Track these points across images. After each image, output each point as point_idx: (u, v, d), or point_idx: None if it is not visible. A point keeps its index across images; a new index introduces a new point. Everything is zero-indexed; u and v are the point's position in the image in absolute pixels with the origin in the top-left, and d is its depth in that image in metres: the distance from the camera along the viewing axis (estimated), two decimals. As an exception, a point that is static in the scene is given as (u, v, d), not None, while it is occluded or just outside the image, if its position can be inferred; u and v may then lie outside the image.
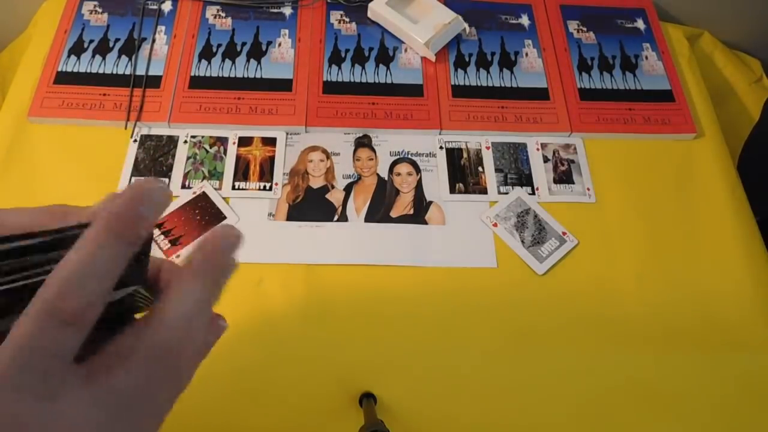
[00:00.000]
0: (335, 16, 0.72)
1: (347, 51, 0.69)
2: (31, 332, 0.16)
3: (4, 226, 0.19)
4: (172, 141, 0.63)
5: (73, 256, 0.17)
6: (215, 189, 0.60)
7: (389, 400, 0.51)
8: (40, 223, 0.19)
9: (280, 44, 0.69)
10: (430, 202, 0.61)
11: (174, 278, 0.20)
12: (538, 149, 0.65)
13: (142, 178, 0.18)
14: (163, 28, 0.69)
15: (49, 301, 0.16)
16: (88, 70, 0.65)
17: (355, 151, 0.64)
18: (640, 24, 0.75)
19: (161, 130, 0.63)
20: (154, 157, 0.62)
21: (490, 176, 0.63)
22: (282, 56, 0.68)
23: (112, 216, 0.18)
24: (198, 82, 0.65)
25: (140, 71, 0.65)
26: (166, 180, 0.60)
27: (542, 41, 0.72)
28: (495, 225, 0.60)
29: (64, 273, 0.17)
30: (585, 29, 0.74)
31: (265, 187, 0.61)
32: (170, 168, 0.61)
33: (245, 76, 0.66)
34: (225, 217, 0.58)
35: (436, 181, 0.62)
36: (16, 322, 0.16)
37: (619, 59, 0.72)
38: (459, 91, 0.67)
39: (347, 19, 0.72)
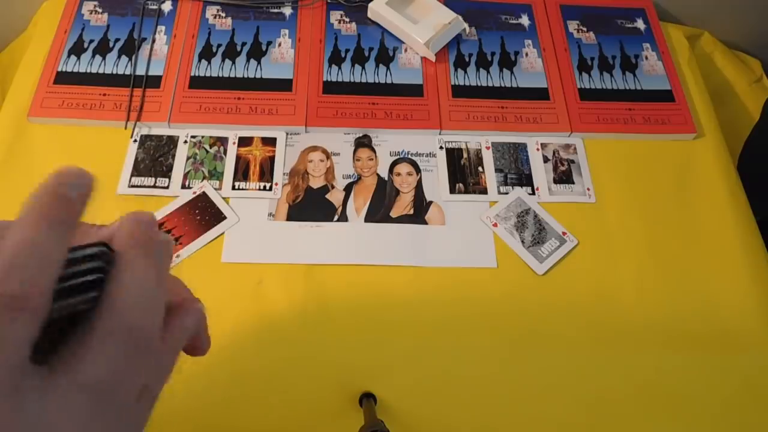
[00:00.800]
0: (335, 16, 0.72)
1: (347, 51, 0.69)
2: None
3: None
4: (172, 141, 0.63)
5: (6, 242, 0.16)
6: (215, 189, 0.60)
7: (389, 400, 0.51)
8: None
9: (280, 44, 0.69)
10: (430, 202, 0.61)
11: (118, 261, 0.20)
12: (538, 149, 0.65)
13: (64, 166, 0.18)
14: (163, 28, 0.69)
15: None
16: (88, 70, 0.65)
17: (355, 151, 0.64)
18: (640, 24, 0.75)
19: (161, 130, 0.63)
20: (154, 157, 0.62)
21: (490, 176, 0.63)
22: (282, 56, 0.68)
23: (35, 200, 0.18)
24: (198, 82, 0.65)
25: (140, 71, 0.65)
26: (166, 180, 0.60)
27: (542, 41, 0.72)
28: (495, 225, 0.60)
29: (2, 257, 0.16)
30: (585, 29, 0.74)
31: (265, 187, 0.61)
32: (170, 168, 0.61)
33: (245, 76, 0.66)
34: (225, 217, 0.58)
35: (436, 181, 0.62)
36: None
37: (619, 59, 0.72)
38: (459, 91, 0.67)
39: (347, 19, 0.72)
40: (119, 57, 0.67)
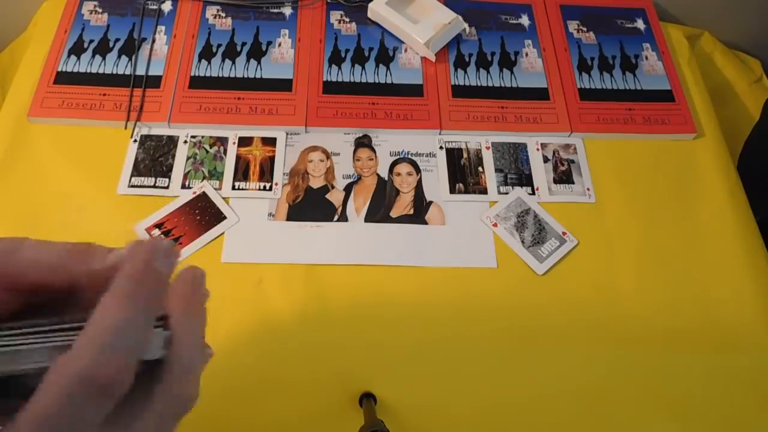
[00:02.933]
0: (335, 16, 0.72)
1: (347, 51, 0.69)
2: (60, 403, 0.15)
3: (19, 263, 0.19)
4: (172, 141, 0.63)
5: (101, 323, 0.16)
6: (215, 189, 0.60)
7: (389, 400, 0.51)
8: (60, 264, 0.19)
9: (280, 44, 0.69)
10: (430, 202, 0.61)
11: (172, 320, 0.20)
12: (538, 149, 0.65)
13: (150, 238, 0.18)
14: (163, 28, 0.69)
15: (86, 368, 0.15)
16: (88, 70, 0.65)
17: (355, 151, 0.64)
18: (640, 24, 0.75)
19: (161, 130, 0.63)
20: (154, 157, 0.62)
21: (490, 176, 0.63)
22: (282, 56, 0.68)
23: (135, 276, 0.17)
24: (198, 82, 0.65)
25: (140, 71, 0.65)
26: (166, 180, 0.60)
27: (542, 41, 0.72)
28: (495, 225, 0.60)
29: (95, 340, 0.16)
30: (585, 29, 0.74)
31: (265, 187, 0.61)
32: (170, 168, 0.61)
33: (245, 76, 0.66)
34: (225, 217, 0.58)
35: (436, 181, 0.62)
36: (35, 394, 0.15)
37: (619, 59, 0.72)
38: (459, 91, 0.67)
39: (347, 19, 0.72)
40: (119, 57, 0.66)
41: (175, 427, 0.19)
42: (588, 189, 0.63)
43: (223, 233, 0.58)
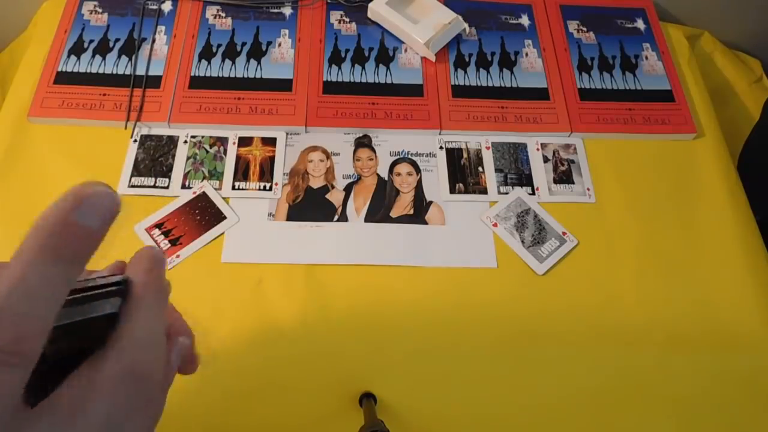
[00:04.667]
0: (335, 16, 0.72)
1: (347, 51, 0.69)
2: None
3: None
4: (172, 141, 0.63)
5: (1, 282, 0.15)
6: (215, 189, 0.60)
7: (389, 400, 0.51)
8: None
9: (280, 44, 0.69)
10: (430, 202, 0.61)
11: (128, 300, 0.19)
12: (538, 149, 0.65)
13: (85, 182, 0.16)
14: (163, 28, 0.69)
15: None
16: (88, 70, 0.65)
17: (355, 151, 0.64)
18: (640, 24, 0.75)
19: (161, 130, 0.63)
20: (154, 157, 0.62)
21: (490, 176, 0.63)
22: (282, 56, 0.68)
23: (43, 230, 0.15)
24: (198, 82, 0.65)
25: (140, 71, 0.65)
26: (166, 180, 0.60)
27: (542, 41, 0.72)
28: (495, 225, 0.60)
29: None
30: (585, 29, 0.74)
31: (265, 187, 0.61)
32: (170, 168, 0.61)
33: (245, 76, 0.66)
34: (225, 217, 0.58)
35: (436, 181, 0.62)
36: None
37: (619, 59, 0.72)
38: (459, 91, 0.67)
39: (347, 19, 0.72)
40: (119, 57, 0.66)
41: (137, 422, 0.18)
42: (588, 189, 0.63)
43: (223, 233, 0.58)
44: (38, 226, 0.15)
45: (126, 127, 0.62)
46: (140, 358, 0.18)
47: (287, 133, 0.64)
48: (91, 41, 0.68)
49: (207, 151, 0.62)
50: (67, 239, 0.15)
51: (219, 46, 0.68)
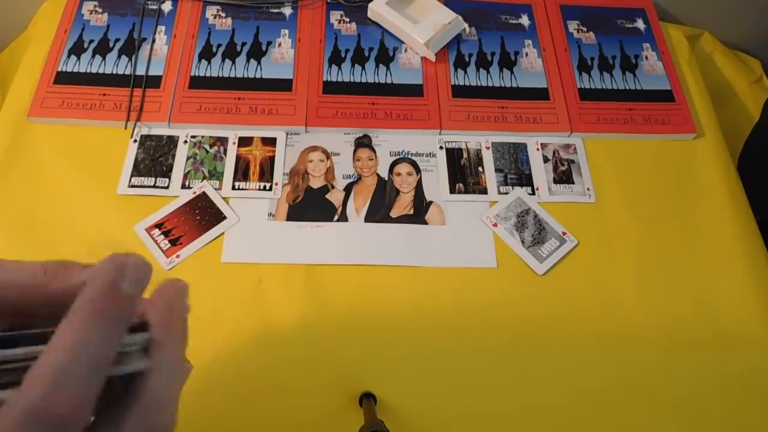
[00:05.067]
0: (335, 16, 0.72)
1: (347, 51, 0.69)
2: None
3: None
4: (172, 141, 0.63)
5: (56, 350, 0.15)
6: (215, 189, 0.60)
7: (389, 400, 0.51)
8: (32, 283, 0.18)
9: (280, 44, 0.69)
10: (430, 202, 0.61)
11: (153, 342, 0.19)
12: (538, 149, 0.65)
13: (120, 253, 0.17)
14: (163, 28, 0.69)
15: (34, 404, 0.14)
16: (88, 70, 0.65)
17: (355, 151, 0.64)
18: (640, 24, 0.75)
19: (161, 130, 0.63)
20: (154, 157, 0.62)
21: (490, 176, 0.63)
22: (282, 56, 0.68)
23: (95, 300, 0.16)
24: (198, 82, 0.65)
25: (140, 71, 0.65)
26: (166, 180, 0.60)
27: (542, 41, 0.72)
28: (495, 225, 0.60)
29: (48, 370, 0.14)
30: (585, 29, 0.74)
31: (265, 187, 0.61)
32: (170, 168, 0.61)
33: (245, 76, 0.66)
34: (225, 217, 0.58)
35: (436, 181, 0.62)
36: None
37: (619, 59, 0.72)
38: (459, 91, 0.67)
39: (347, 19, 0.72)
40: (119, 57, 0.66)
41: None
42: (588, 189, 0.63)
43: (223, 233, 0.58)
44: (86, 295, 0.16)
45: (126, 127, 0.62)
46: (161, 416, 0.18)
47: (287, 133, 0.64)
48: (91, 41, 0.68)
49: (207, 151, 0.62)
50: (115, 308, 0.16)
51: (219, 46, 0.68)
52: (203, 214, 0.58)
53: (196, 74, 0.66)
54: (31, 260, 0.20)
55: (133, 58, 0.66)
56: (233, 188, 0.60)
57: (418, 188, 0.62)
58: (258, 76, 0.66)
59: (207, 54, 0.67)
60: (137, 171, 0.61)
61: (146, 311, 0.19)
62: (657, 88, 0.70)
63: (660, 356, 0.55)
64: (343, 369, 0.53)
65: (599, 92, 0.69)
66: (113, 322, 0.16)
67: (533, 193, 0.62)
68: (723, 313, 0.57)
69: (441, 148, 0.64)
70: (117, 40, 0.68)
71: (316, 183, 0.61)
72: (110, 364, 0.16)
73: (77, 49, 0.67)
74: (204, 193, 0.60)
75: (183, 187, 0.60)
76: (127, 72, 0.65)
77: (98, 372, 0.15)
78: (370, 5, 0.70)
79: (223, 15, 0.71)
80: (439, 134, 0.65)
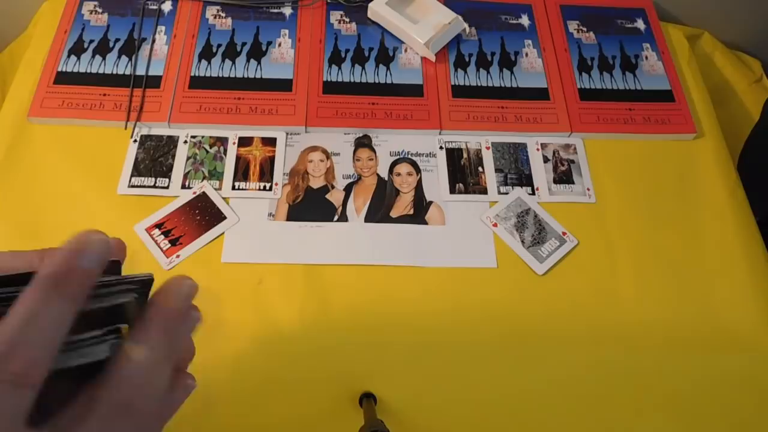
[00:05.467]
0: (335, 16, 0.72)
1: (347, 51, 0.69)
2: None
3: None
4: (172, 141, 0.63)
5: (14, 316, 0.17)
6: (215, 189, 0.60)
7: (389, 400, 0.51)
8: (37, 268, 0.19)
9: (280, 44, 0.69)
10: (430, 202, 0.61)
11: (135, 330, 0.20)
12: (538, 149, 0.65)
13: (84, 231, 0.19)
14: (163, 28, 0.69)
15: None
16: (88, 70, 0.65)
17: (355, 151, 0.64)
18: (640, 24, 0.75)
19: (161, 130, 0.63)
20: (154, 157, 0.62)
21: (490, 176, 0.63)
22: (282, 56, 0.68)
23: (50, 272, 0.18)
24: (198, 82, 0.65)
25: (140, 71, 0.65)
26: (166, 180, 0.60)
27: (542, 41, 0.72)
28: (495, 225, 0.60)
29: (5, 333, 0.16)
30: (585, 29, 0.74)
31: (265, 187, 0.61)
32: (170, 168, 0.61)
33: (245, 76, 0.66)
34: (225, 217, 0.58)
35: (436, 181, 0.62)
36: None
37: (619, 59, 0.72)
38: (459, 91, 0.67)
39: (347, 19, 0.72)
40: (119, 57, 0.66)
41: None
42: (588, 189, 0.63)
43: (223, 233, 0.58)
44: (46, 269, 0.18)
45: (126, 127, 0.62)
46: (136, 393, 0.19)
47: (287, 133, 0.64)
48: (91, 41, 0.68)
49: (207, 151, 0.62)
50: (71, 281, 0.18)
51: (219, 46, 0.68)
52: (203, 214, 0.58)
53: (196, 74, 0.66)
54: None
55: (133, 58, 0.66)
56: (233, 188, 0.60)
57: (418, 188, 0.62)
58: (258, 76, 0.66)
59: (207, 54, 0.67)
60: (137, 171, 0.61)
61: (149, 306, 0.20)
62: (657, 88, 0.70)
63: (659, 356, 0.55)
64: (343, 369, 0.53)
65: (599, 92, 0.69)
66: (67, 293, 0.18)
67: (533, 193, 0.62)
68: (722, 312, 0.57)
69: (441, 148, 0.64)
70: (117, 40, 0.68)
71: (316, 183, 0.61)
72: (63, 333, 0.17)
73: (77, 49, 0.67)
74: (204, 193, 0.60)
75: (183, 187, 0.60)
76: (127, 72, 0.65)
77: (50, 341, 0.17)
78: (370, 5, 0.70)
79: (223, 15, 0.71)
80: (439, 134, 0.65)
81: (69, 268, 0.18)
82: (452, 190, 0.62)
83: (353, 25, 0.72)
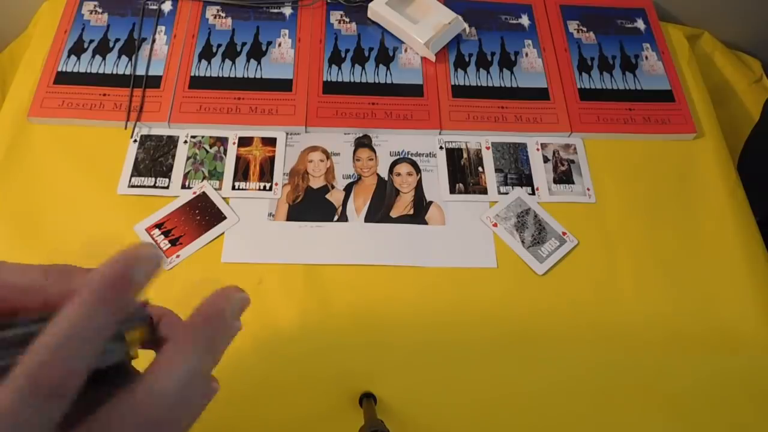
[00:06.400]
0: (335, 16, 0.72)
1: (347, 51, 0.69)
2: (12, 406, 0.15)
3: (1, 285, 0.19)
4: (172, 141, 0.63)
5: (58, 325, 0.16)
6: (215, 189, 0.60)
7: (389, 400, 0.51)
8: (40, 286, 0.19)
9: (280, 44, 0.69)
10: (430, 202, 0.61)
11: (170, 339, 0.19)
12: (538, 149, 0.65)
13: (136, 243, 0.18)
14: (163, 28, 0.69)
15: (31, 371, 0.16)
16: (88, 70, 0.65)
17: (355, 151, 0.64)
18: (640, 24, 0.75)
19: (161, 130, 0.63)
20: (154, 157, 0.62)
21: (490, 176, 0.63)
22: (282, 56, 0.68)
23: (101, 283, 0.17)
24: (198, 82, 0.65)
25: (140, 71, 0.65)
26: (166, 180, 0.60)
27: (542, 41, 0.72)
28: (495, 225, 0.60)
29: (46, 341, 0.16)
30: (585, 29, 0.74)
31: (265, 187, 0.61)
32: (170, 168, 0.61)
33: (245, 76, 0.66)
34: (225, 217, 0.58)
35: (436, 181, 0.62)
36: None
37: (619, 59, 0.72)
38: (459, 91, 0.67)
39: (347, 19, 0.72)
40: (119, 57, 0.66)
41: None
42: (588, 189, 0.63)
43: (223, 233, 0.58)
44: (99, 277, 0.17)
45: (126, 127, 0.62)
46: (169, 410, 0.18)
47: (287, 133, 0.64)
48: (91, 41, 0.68)
49: (207, 151, 0.62)
50: (121, 293, 0.18)
51: (219, 46, 0.68)
52: (203, 214, 0.58)
53: (196, 74, 0.66)
54: (32, 262, 0.20)
55: (133, 58, 0.66)
56: (233, 188, 0.60)
57: (418, 188, 0.62)
58: (258, 76, 0.66)
59: (207, 54, 0.67)
60: (137, 171, 0.61)
61: (191, 318, 0.20)
62: (657, 88, 0.70)
63: (659, 356, 0.55)
64: (343, 369, 0.53)
65: (599, 92, 0.69)
66: (114, 308, 0.17)
67: (533, 193, 0.62)
68: (722, 312, 0.57)
69: (441, 148, 0.64)
70: (117, 40, 0.68)
71: (316, 183, 0.61)
72: (100, 346, 0.17)
73: (77, 49, 0.67)
74: (204, 193, 0.60)
75: (183, 187, 0.60)
76: (127, 72, 0.65)
77: (91, 351, 0.17)
78: (370, 5, 0.70)
79: (223, 15, 0.71)
80: (439, 134, 0.65)
81: (123, 280, 0.18)
82: (452, 190, 0.62)
83: (353, 25, 0.72)
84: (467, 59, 0.70)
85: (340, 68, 0.68)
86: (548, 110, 0.67)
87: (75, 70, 0.65)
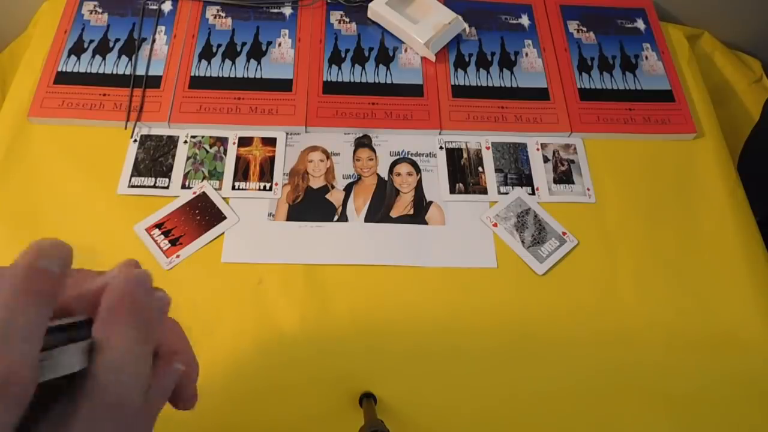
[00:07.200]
0: (335, 16, 0.72)
1: (347, 51, 0.69)
2: None
3: None
4: (172, 141, 0.63)
5: None
6: (215, 189, 0.60)
7: (389, 400, 0.51)
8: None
9: (280, 44, 0.69)
10: (430, 202, 0.61)
11: (98, 328, 0.19)
12: (538, 149, 0.65)
13: (40, 239, 0.19)
14: (163, 28, 0.69)
15: None
16: (88, 70, 0.65)
17: (355, 151, 0.64)
18: (640, 24, 0.75)
19: (161, 130, 0.63)
20: (154, 157, 0.62)
21: (490, 176, 0.63)
22: (282, 56, 0.68)
23: (14, 277, 0.17)
24: (198, 82, 0.65)
25: (140, 71, 0.65)
26: (166, 180, 0.60)
27: (542, 41, 0.72)
28: (495, 225, 0.60)
29: None
30: (585, 29, 0.74)
31: (265, 187, 0.61)
32: (170, 168, 0.61)
33: (245, 76, 0.66)
34: (225, 217, 0.58)
35: (436, 181, 0.62)
36: None
37: (619, 59, 0.72)
38: (459, 91, 0.67)
39: (347, 19, 0.72)
40: (119, 57, 0.66)
41: None
42: (588, 189, 0.63)
43: (223, 233, 0.58)
44: (8, 275, 0.17)
45: (126, 127, 0.62)
46: (114, 388, 0.18)
47: (287, 133, 0.64)
48: (91, 41, 0.68)
49: (207, 151, 0.62)
50: (36, 283, 0.17)
51: (219, 46, 0.68)
52: (203, 214, 0.58)
53: (196, 74, 0.66)
54: None
55: (133, 58, 0.66)
56: (233, 188, 0.60)
57: (418, 188, 0.62)
58: (258, 76, 0.66)
59: (207, 54, 0.67)
60: (137, 171, 0.61)
61: (101, 302, 0.20)
62: (657, 88, 0.70)
63: (659, 356, 0.55)
64: (343, 369, 0.53)
65: (599, 92, 0.69)
66: (35, 296, 0.17)
67: (533, 193, 0.62)
68: (722, 313, 0.57)
69: (441, 148, 0.64)
70: (117, 40, 0.68)
71: (316, 183, 0.61)
72: (40, 338, 0.17)
73: (77, 49, 0.67)
74: (204, 193, 0.60)
75: (183, 187, 0.60)
76: (127, 72, 0.65)
77: (28, 345, 0.16)
78: (370, 5, 0.70)
79: (223, 15, 0.71)
80: (439, 134, 0.65)
81: (32, 270, 0.18)
82: (452, 190, 0.62)
83: (353, 25, 0.72)
84: (467, 59, 0.70)
85: (340, 68, 0.68)
86: (548, 110, 0.67)
87: (75, 70, 0.65)
